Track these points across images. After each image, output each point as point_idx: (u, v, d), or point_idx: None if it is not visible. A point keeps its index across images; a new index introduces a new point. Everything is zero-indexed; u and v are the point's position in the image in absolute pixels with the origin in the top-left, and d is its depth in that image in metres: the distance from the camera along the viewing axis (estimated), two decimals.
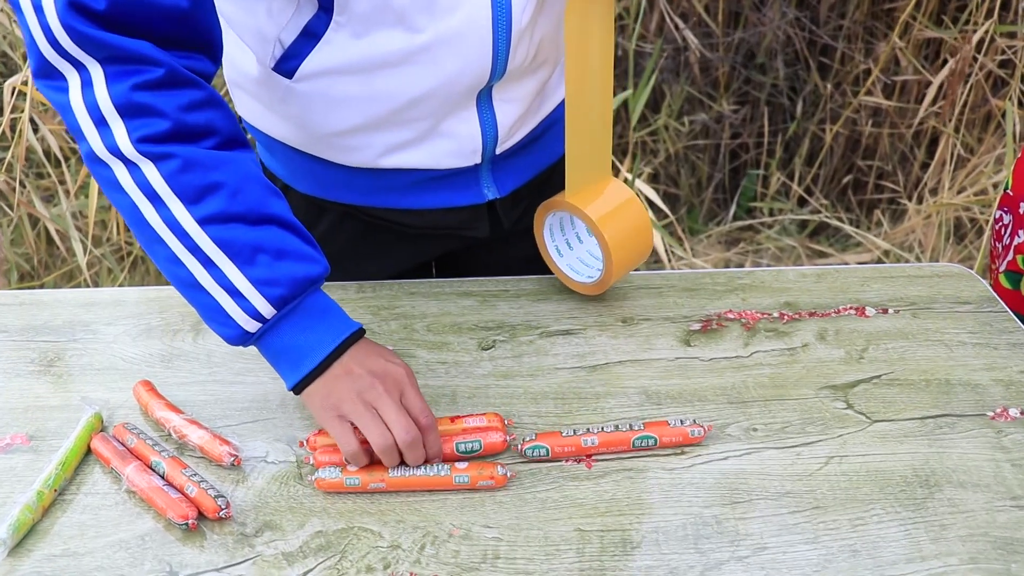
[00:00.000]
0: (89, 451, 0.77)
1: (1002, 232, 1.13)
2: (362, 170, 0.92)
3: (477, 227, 0.99)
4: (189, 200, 0.70)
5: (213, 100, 0.72)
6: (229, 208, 0.70)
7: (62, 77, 0.69)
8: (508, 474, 0.73)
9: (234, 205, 0.70)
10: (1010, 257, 1.09)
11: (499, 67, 0.83)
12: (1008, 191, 1.11)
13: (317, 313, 0.74)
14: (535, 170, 1.00)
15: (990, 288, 1.00)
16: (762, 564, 0.67)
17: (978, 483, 0.74)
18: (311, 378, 0.74)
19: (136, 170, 0.70)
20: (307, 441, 0.77)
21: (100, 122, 0.69)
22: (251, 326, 0.72)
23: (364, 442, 0.73)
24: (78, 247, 1.43)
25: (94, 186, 1.40)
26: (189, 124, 0.70)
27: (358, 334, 0.76)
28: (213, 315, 0.73)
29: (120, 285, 1.68)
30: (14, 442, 0.79)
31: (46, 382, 0.85)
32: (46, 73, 0.70)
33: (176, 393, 0.83)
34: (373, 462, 0.74)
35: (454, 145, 0.89)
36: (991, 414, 0.82)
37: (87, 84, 0.69)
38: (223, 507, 0.70)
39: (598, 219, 0.88)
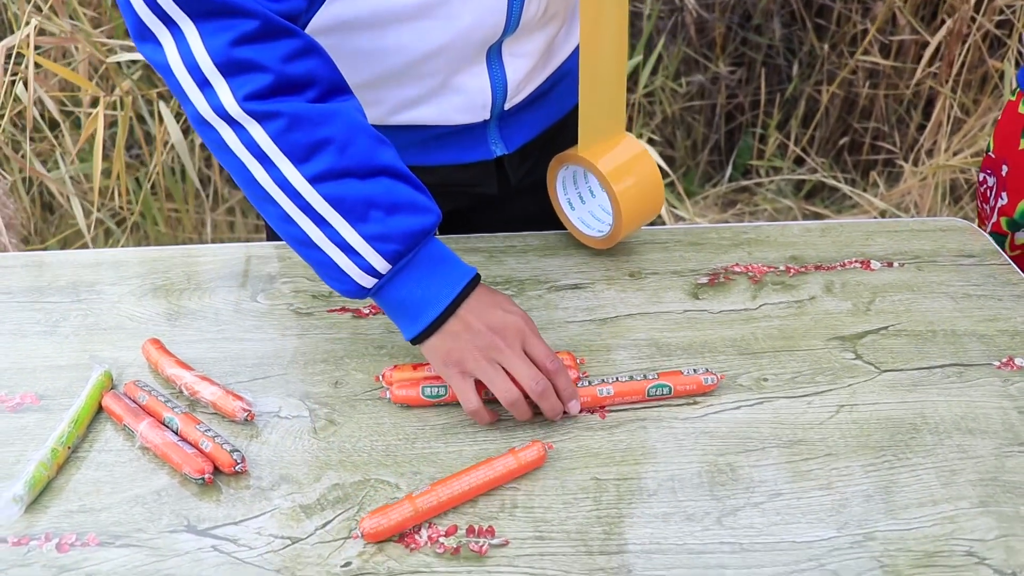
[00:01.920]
0: (100, 409, 0.77)
1: (987, 194, 1.13)
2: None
3: (486, 184, 0.99)
4: (298, 159, 0.69)
5: (311, 47, 0.71)
6: (339, 164, 0.69)
7: (156, 39, 0.68)
8: (547, 447, 0.72)
9: (343, 160, 0.69)
10: (994, 219, 1.10)
11: (512, 21, 0.82)
12: (990, 154, 1.12)
13: (433, 263, 0.73)
14: (542, 126, 1.00)
15: (993, 242, 1.00)
16: (777, 510, 0.68)
17: (986, 430, 0.75)
18: (430, 331, 0.73)
19: (243, 131, 0.69)
20: (383, 376, 0.78)
21: (203, 83, 0.68)
22: (367, 282, 0.72)
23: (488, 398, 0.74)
24: (78, 210, 1.42)
25: (97, 150, 1.39)
26: (291, 76, 0.68)
27: (475, 281, 0.75)
28: (328, 272, 0.72)
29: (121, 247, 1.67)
30: (24, 401, 0.78)
31: (53, 342, 0.85)
32: (142, 35, 0.69)
33: (185, 351, 0.83)
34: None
35: (464, 100, 0.88)
36: (997, 363, 0.82)
37: (181, 43, 0.67)
38: (239, 461, 0.70)
39: (609, 174, 0.87)
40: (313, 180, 0.69)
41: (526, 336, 0.74)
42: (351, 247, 0.70)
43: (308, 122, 0.68)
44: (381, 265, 0.71)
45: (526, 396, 0.73)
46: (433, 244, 0.74)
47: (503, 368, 0.72)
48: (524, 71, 0.89)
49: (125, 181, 1.57)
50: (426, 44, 0.81)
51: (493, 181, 0.99)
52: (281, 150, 0.68)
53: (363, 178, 0.70)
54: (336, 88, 0.72)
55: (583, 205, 0.95)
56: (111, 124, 1.59)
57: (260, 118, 0.68)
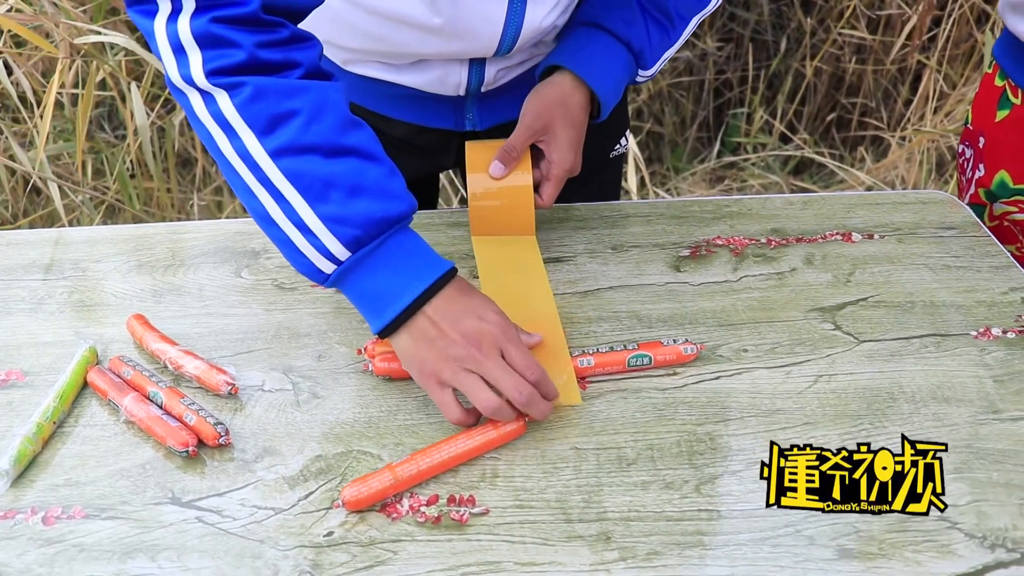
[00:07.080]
0: (85, 384, 0.78)
1: (965, 166, 1.14)
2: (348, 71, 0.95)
3: (444, 156, 0.99)
4: (261, 131, 0.67)
5: (298, 38, 0.70)
6: (302, 139, 0.67)
7: (153, 2, 0.68)
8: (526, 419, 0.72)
9: (307, 136, 0.67)
10: (972, 191, 1.11)
11: (504, 48, 0.86)
12: (968, 126, 1.12)
13: (402, 254, 0.70)
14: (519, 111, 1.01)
15: (973, 214, 1.01)
16: (755, 477, 0.69)
17: (962, 398, 0.76)
18: (396, 325, 0.70)
19: (210, 99, 0.68)
20: (365, 349, 0.79)
21: (178, 50, 0.67)
22: (326, 266, 0.69)
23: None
24: (55, 191, 1.41)
25: (47, 110, 1.38)
26: (264, 59, 0.68)
27: (448, 276, 0.71)
28: (288, 251, 0.70)
29: None
30: (9, 378, 0.79)
31: (38, 319, 0.85)
32: (138, 1, 0.69)
33: (169, 327, 0.83)
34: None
35: (438, 79, 0.91)
36: (974, 333, 0.83)
37: (176, 13, 0.67)
38: (222, 434, 0.71)
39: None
40: (274, 154, 0.67)
41: (504, 344, 0.69)
42: (308, 227, 0.68)
43: (274, 94, 0.67)
44: (338, 250, 0.68)
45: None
46: (404, 235, 0.71)
47: (482, 377, 0.69)
48: (502, 66, 0.92)
49: (81, 157, 1.55)
50: (417, 48, 0.84)
51: (452, 156, 0.99)
52: (244, 120, 0.67)
53: (327, 156, 0.68)
54: (316, 74, 0.71)
55: None
56: (94, 104, 1.58)
57: (226, 88, 0.67)
